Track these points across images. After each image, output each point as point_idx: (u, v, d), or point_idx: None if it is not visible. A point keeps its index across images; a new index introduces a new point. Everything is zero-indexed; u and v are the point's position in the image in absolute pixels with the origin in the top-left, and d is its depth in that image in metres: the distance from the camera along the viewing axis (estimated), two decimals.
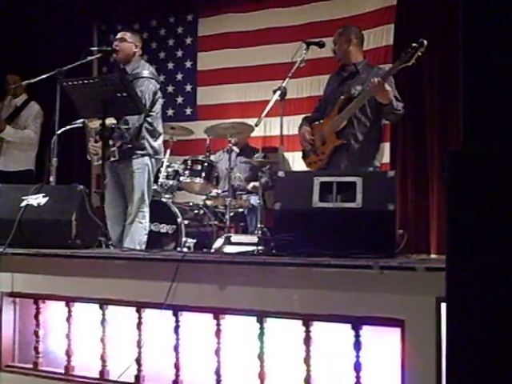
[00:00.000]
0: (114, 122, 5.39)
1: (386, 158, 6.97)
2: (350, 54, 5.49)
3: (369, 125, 5.32)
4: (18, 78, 7.16)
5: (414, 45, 4.89)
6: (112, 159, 5.49)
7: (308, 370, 3.15)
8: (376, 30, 7.14)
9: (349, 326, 3.05)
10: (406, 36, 6.72)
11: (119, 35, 5.90)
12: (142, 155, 5.66)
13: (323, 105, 5.61)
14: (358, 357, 3.03)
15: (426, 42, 4.86)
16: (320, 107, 5.67)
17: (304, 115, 5.86)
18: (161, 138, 5.89)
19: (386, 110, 5.19)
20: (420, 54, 4.88)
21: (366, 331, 3.04)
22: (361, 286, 3.04)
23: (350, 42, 5.50)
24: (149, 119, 5.68)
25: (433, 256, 6.31)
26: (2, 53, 9.77)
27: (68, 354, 3.92)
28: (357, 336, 3.03)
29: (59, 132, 5.31)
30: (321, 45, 5.38)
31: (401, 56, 5.00)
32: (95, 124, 5.07)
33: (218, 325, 3.41)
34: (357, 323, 3.04)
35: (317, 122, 5.50)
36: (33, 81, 5.74)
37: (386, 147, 6.96)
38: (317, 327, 3.17)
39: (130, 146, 5.57)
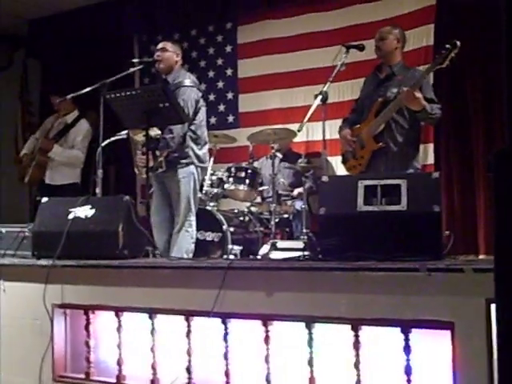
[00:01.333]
0: (159, 132, 5.44)
1: (431, 159, 6.91)
2: (393, 55, 5.49)
3: (407, 126, 5.32)
4: (58, 98, 7.22)
5: (447, 46, 4.90)
6: (160, 170, 5.53)
7: (358, 375, 3.14)
8: (416, 31, 7.09)
9: (398, 329, 3.04)
10: (447, 35, 6.65)
11: (160, 45, 5.94)
12: (187, 164, 5.69)
13: (360, 107, 5.59)
14: (408, 360, 3.01)
15: (458, 43, 4.86)
16: (357, 108, 5.67)
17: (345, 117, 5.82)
18: (206, 147, 5.91)
19: (420, 116, 5.20)
20: (454, 55, 4.86)
21: (416, 334, 3.02)
22: (408, 289, 3.03)
23: (398, 42, 5.50)
24: (192, 127, 5.71)
25: (481, 256, 6.23)
26: (45, 70, 9.96)
27: (119, 363, 3.96)
28: (406, 339, 3.02)
29: (104, 144, 5.36)
30: (360, 48, 5.35)
31: (435, 58, 5.00)
32: (141, 137, 5.12)
33: (267, 331, 3.42)
34: (406, 327, 3.02)
35: (355, 127, 5.49)
36: (76, 94, 5.79)
37: (430, 148, 6.91)
38: (365, 331, 3.16)
39: (175, 154, 5.60)
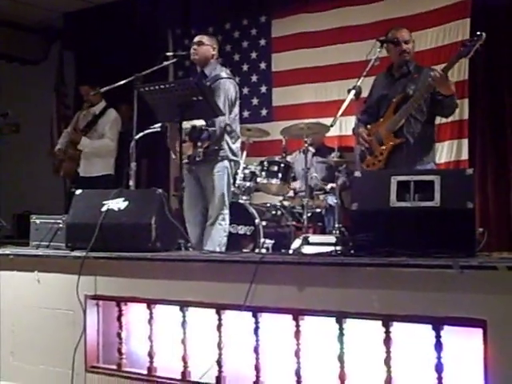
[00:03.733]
0: (203, 123, 5.46)
1: (465, 155, 6.87)
2: (413, 55, 5.52)
3: (424, 122, 5.34)
4: (89, 88, 7.32)
5: (473, 38, 4.92)
6: (197, 159, 5.53)
7: (389, 371, 3.12)
8: (451, 25, 7.06)
9: (429, 326, 3.02)
10: (483, 30, 6.60)
11: (197, 38, 5.95)
12: (222, 158, 5.71)
13: (375, 106, 5.55)
14: (439, 358, 2.99)
15: (484, 34, 4.85)
16: (367, 110, 5.60)
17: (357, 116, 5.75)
18: (239, 141, 5.93)
19: (448, 101, 5.19)
20: (479, 46, 4.85)
21: (447, 332, 3.00)
22: (441, 286, 3.01)
23: (414, 43, 5.54)
24: (228, 121, 5.72)
25: None
26: (80, 62, 10.07)
27: (150, 355, 3.99)
28: (438, 337, 3.00)
29: (137, 137, 5.38)
30: (395, 42, 5.34)
31: (459, 50, 5.00)
32: (185, 125, 5.15)
33: (297, 326, 3.42)
34: (437, 324, 3.00)
35: (369, 126, 5.47)
36: (110, 87, 5.83)
37: (465, 144, 6.87)
38: (397, 328, 3.14)
39: (215, 147, 5.62)
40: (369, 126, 5.48)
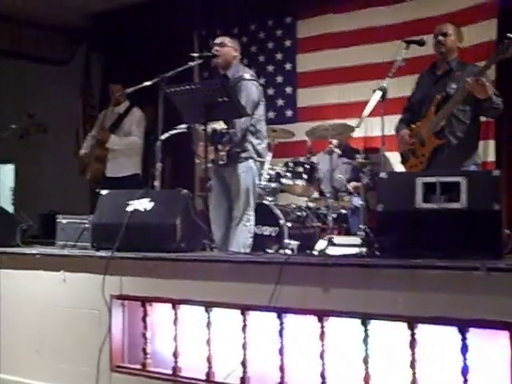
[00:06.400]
0: (224, 126, 5.47)
1: (492, 156, 6.81)
2: (454, 51, 5.42)
3: (468, 122, 5.27)
4: (121, 87, 7.33)
5: (510, 35, 4.81)
6: (220, 162, 5.55)
7: (414, 374, 3.11)
8: (478, 26, 6.99)
9: (455, 328, 3.00)
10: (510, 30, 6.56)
11: (219, 40, 5.93)
12: (246, 158, 5.69)
13: (417, 105, 5.52)
14: (465, 360, 2.98)
15: None
16: (411, 107, 5.57)
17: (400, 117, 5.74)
18: (265, 141, 5.90)
19: (486, 105, 5.11)
20: None
21: (473, 334, 2.98)
22: (467, 288, 3.00)
23: (458, 39, 5.45)
24: (252, 122, 5.70)
25: None
26: (106, 63, 10.13)
27: (175, 355, 4.00)
28: (463, 339, 2.98)
29: (163, 137, 5.39)
30: (421, 43, 5.30)
31: (497, 48, 4.94)
32: (209, 128, 5.15)
33: (322, 327, 3.41)
34: (463, 326, 2.98)
35: (413, 125, 5.44)
36: (136, 88, 5.84)
37: (491, 145, 6.81)
38: (422, 330, 3.13)
39: (236, 149, 5.62)
40: (413, 125, 5.46)
